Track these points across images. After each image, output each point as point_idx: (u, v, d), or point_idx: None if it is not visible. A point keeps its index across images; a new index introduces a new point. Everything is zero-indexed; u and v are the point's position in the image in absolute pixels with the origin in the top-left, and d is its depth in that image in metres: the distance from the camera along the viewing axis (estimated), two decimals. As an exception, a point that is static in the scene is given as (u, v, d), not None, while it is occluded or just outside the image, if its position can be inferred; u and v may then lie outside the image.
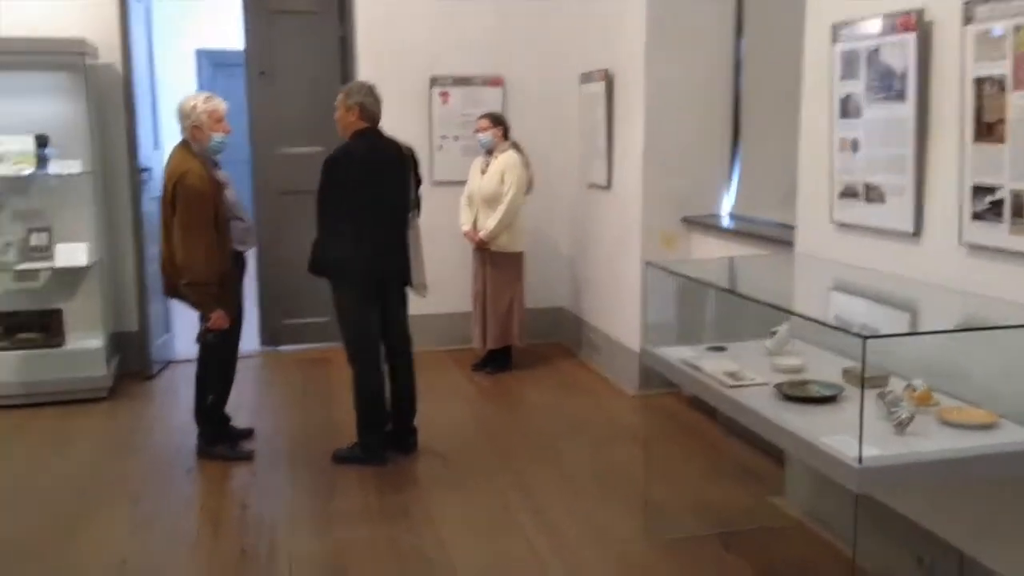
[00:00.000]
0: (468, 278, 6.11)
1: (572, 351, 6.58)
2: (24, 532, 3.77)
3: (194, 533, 3.79)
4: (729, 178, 5.43)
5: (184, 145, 4.36)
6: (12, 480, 4.36)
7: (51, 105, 5.54)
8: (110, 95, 5.80)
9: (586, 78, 6.13)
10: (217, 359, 4.53)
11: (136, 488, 4.22)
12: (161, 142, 6.34)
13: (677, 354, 3.43)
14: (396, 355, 4.57)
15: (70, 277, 5.66)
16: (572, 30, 6.42)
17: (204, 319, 4.37)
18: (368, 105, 4.36)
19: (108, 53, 5.75)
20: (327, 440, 4.68)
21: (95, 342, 5.52)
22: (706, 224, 5.30)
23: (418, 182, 4.58)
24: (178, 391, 5.61)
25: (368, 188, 4.29)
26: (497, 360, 6.09)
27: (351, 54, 6.38)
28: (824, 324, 2.84)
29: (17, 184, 5.57)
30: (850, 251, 3.45)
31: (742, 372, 3.14)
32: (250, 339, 6.63)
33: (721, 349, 3.50)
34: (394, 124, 5.63)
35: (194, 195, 4.20)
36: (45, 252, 5.55)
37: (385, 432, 4.53)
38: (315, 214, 4.32)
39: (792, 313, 3.12)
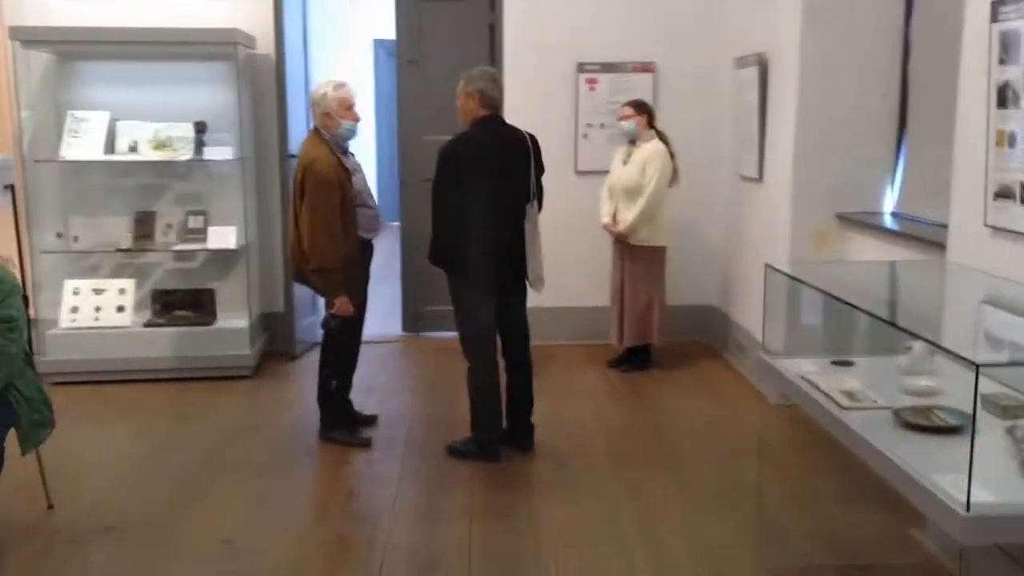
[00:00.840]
0: (609, 272, 5.91)
1: (718, 352, 6.25)
2: (146, 501, 3.95)
3: (299, 516, 3.83)
4: (893, 172, 4.94)
5: (315, 133, 4.42)
6: (148, 450, 4.58)
7: (209, 93, 5.80)
8: (266, 84, 6.00)
9: (740, 63, 5.77)
10: (340, 345, 4.58)
11: (256, 466, 4.33)
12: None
13: (798, 367, 3.12)
14: (513, 350, 4.46)
15: (222, 259, 5.92)
16: (727, 11, 6.06)
17: (329, 305, 4.43)
18: (488, 91, 4.25)
19: (265, 43, 5.95)
20: (446, 431, 4.65)
21: (241, 322, 5.74)
22: (864, 223, 4.83)
23: (540, 172, 4.44)
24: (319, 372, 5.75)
25: (484, 179, 4.18)
26: (635, 358, 5.87)
27: (499, 40, 6.30)
28: (936, 345, 2.47)
29: (178, 168, 5.87)
30: (1005, 259, 3.02)
31: (862, 392, 2.81)
32: (393, 324, 6.76)
33: (847, 364, 3.16)
34: (537, 111, 5.50)
35: (322, 182, 4.24)
36: (200, 234, 5.83)
37: (501, 428, 4.44)
38: (431, 204, 4.27)
39: (897, 327, 2.74)
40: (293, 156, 6.06)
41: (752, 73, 5.51)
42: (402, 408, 5.20)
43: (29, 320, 3.71)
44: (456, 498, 3.97)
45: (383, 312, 6.70)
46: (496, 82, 4.31)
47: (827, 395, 2.81)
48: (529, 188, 4.33)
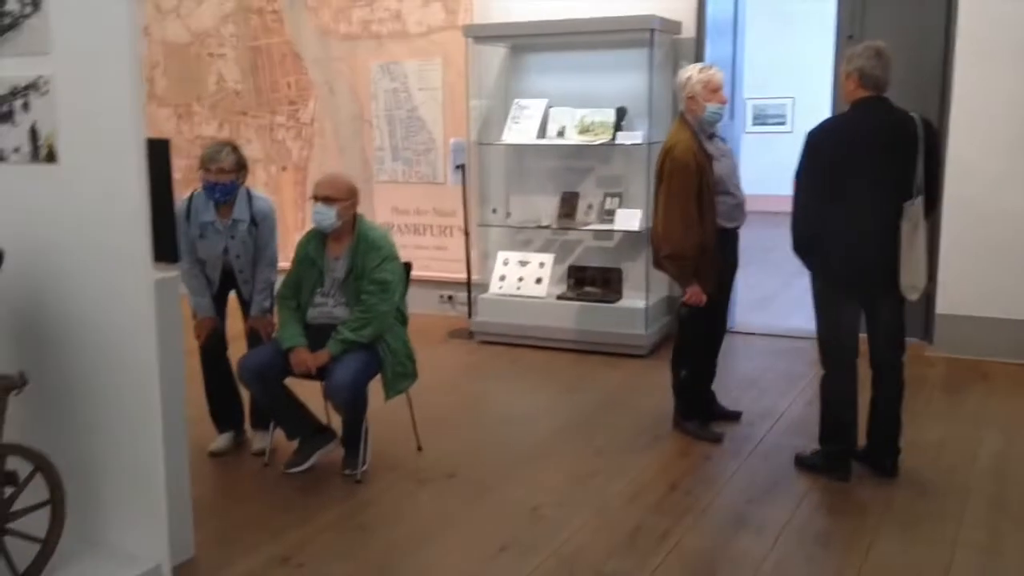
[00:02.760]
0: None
1: None
2: (491, 457, 4.31)
3: (610, 499, 3.87)
4: None
5: (681, 117, 4.36)
6: (522, 411, 4.98)
7: (633, 79, 5.97)
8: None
9: None
10: (692, 334, 4.47)
11: (600, 444, 4.46)
12: (743, 116, 6.36)
13: None
14: (881, 361, 3.94)
15: (631, 240, 6.10)
16: None
17: (682, 293, 4.36)
18: (868, 70, 3.77)
19: (692, 28, 5.96)
20: (812, 438, 4.29)
21: (640, 302, 5.88)
22: None
23: (934, 164, 3.82)
24: (720, 361, 5.66)
25: (854, 168, 3.73)
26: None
27: (954, 13, 5.50)
28: None
29: (600, 152, 6.18)
30: None
31: None
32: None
33: None
34: (989, 92, 4.81)
35: (678, 167, 4.19)
36: (613, 216, 6.08)
37: (852, 445, 3.97)
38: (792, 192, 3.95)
39: None
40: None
41: None
42: (777, 407, 4.91)
43: (407, 284, 4.26)
44: (774, 512, 3.68)
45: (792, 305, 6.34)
46: (881, 58, 3.80)
47: None
48: (912, 182, 3.76)
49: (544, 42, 6.27)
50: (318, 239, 4.11)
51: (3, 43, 2.89)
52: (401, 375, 4.09)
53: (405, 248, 7.03)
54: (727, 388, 5.03)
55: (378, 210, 7.06)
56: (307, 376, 4.01)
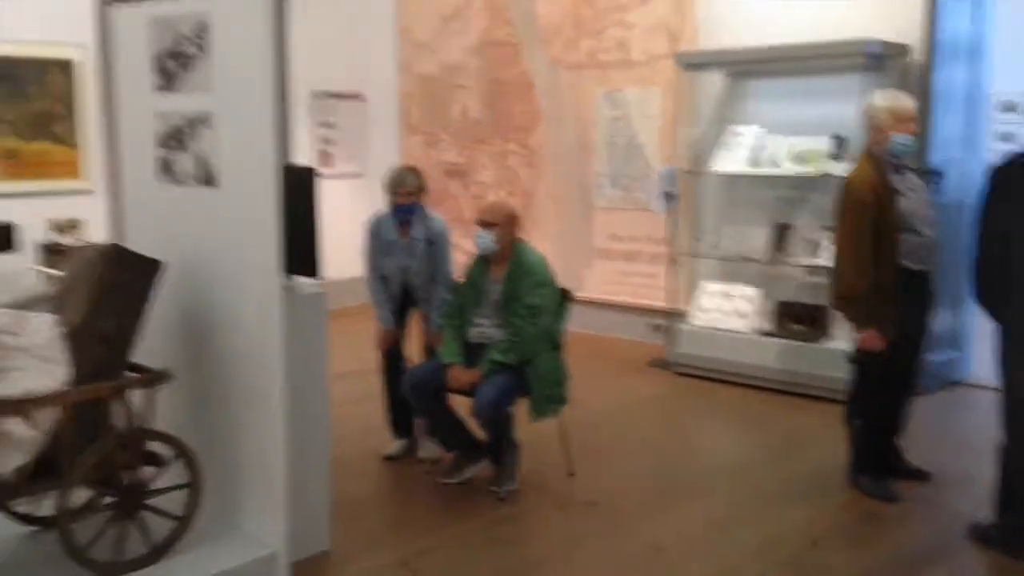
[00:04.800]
0: None
1: None
2: (636, 490, 4.23)
3: (741, 546, 3.66)
4: None
5: (867, 149, 4.05)
6: (689, 445, 4.86)
7: (848, 107, 5.59)
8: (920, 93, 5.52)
9: None
10: (869, 382, 4.11)
11: (756, 490, 4.23)
12: (983, 143, 5.74)
13: None
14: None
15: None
16: None
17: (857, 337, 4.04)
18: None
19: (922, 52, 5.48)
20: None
21: (846, 344, 5.47)
22: None
23: None
24: (937, 415, 5.19)
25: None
26: None
27: None
28: None
29: (815, 182, 5.83)
30: None
31: None
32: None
33: None
34: None
35: (852, 201, 3.91)
36: (827, 251, 5.72)
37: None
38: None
39: None
40: (933, 171, 5.51)
41: None
42: (976, 472, 4.36)
43: (564, 310, 4.31)
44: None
45: None
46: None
47: None
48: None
49: (761, 68, 6.06)
50: (483, 262, 4.29)
51: (182, 82, 3.35)
52: (548, 399, 4.15)
53: (616, 275, 7.14)
54: (927, 444, 4.59)
55: (595, 236, 7.16)
56: (461, 392, 4.19)
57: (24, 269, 5.96)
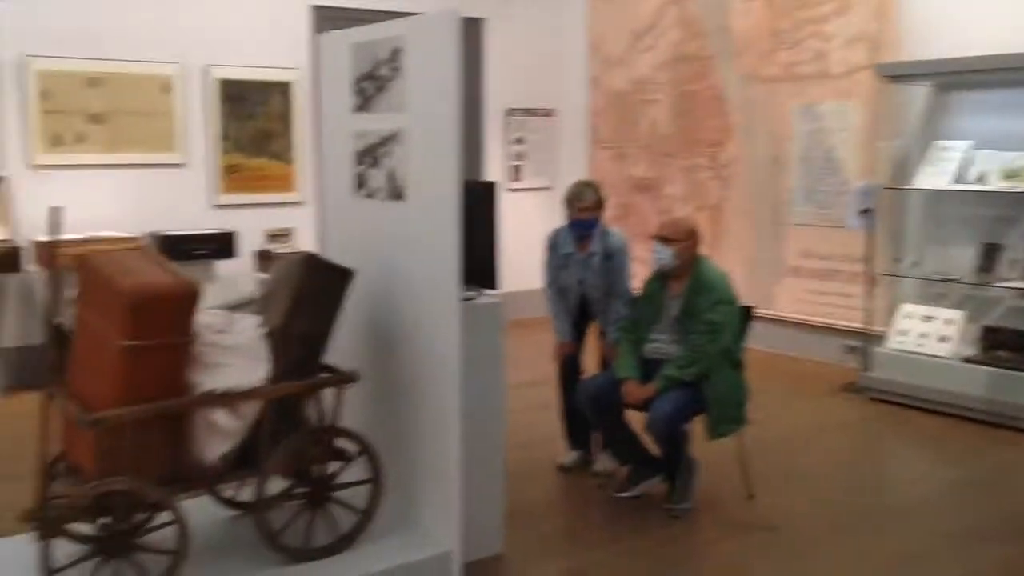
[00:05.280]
0: None
1: None
2: (816, 516, 4.09)
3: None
4: None
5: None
6: (880, 474, 4.62)
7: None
8: None
9: None
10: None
11: (950, 527, 3.97)
12: None
13: None
14: None
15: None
16: None
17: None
18: None
19: None
20: None
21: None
22: None
23: None
24: None
25: None
26: None
27: None
28: None
29: (1030, 200, 5.43)
30: None
31: None
32: None
33: None
34: None
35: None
36: (1039, 272, 5.30)
37: None
38: None
39: None
40: None
41: None
42: None
43: (746, 327, 4.22)
44: None
45: None
46: None
47: None
48: None
49: (969, 79, 5.68)
50: (661, 277, 4.28)
51: (377, 102, 3.58)
52: (725, 418, 4.08)
53: (808, 293, 6.88)
54: None
55: (787, 252, 6.96)
56: (635, 407, 4.19)
57: (241, 274, 6.51)
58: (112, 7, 6.33)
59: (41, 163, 6.15)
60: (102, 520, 2.90)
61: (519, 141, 8.40)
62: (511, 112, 8.29)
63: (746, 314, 4.27)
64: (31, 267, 5.91)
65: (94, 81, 6.29)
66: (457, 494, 3.34)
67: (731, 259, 6.91)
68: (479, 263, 3.42)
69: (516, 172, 8.32)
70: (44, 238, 5.69)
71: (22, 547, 3.06)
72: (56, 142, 6.20)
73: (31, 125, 6.10)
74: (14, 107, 6.05)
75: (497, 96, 8.18)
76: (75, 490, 2.93)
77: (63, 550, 2.88)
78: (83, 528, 2.92)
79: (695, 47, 7.64)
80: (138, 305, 2.83)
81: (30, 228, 5.93)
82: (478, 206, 3.40)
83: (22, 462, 3.39)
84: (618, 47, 8.28)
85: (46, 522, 2.87)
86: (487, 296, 3.59)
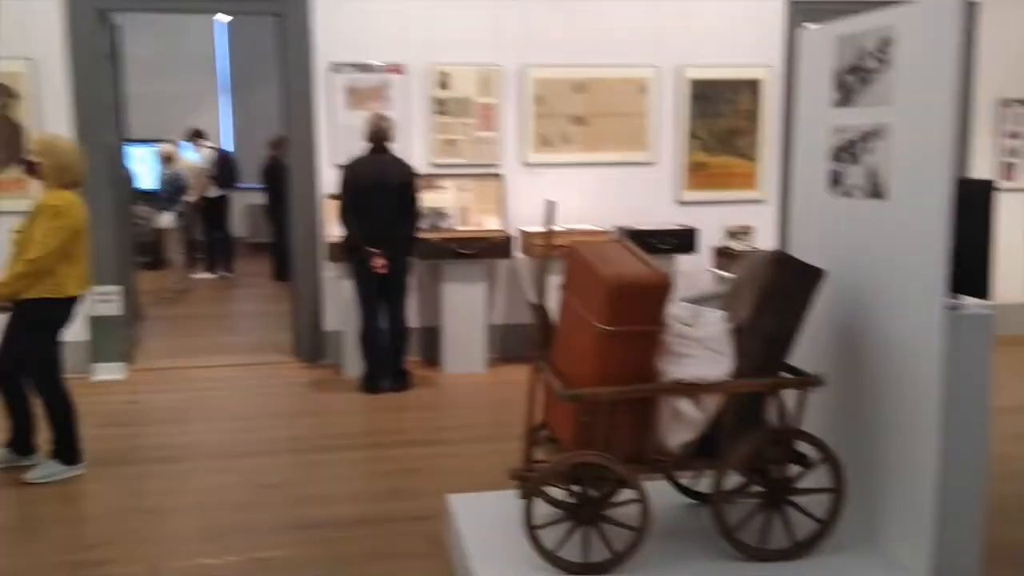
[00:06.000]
0: None
1: None
2: None
3: None
4: None
5: None
6: None
7: None
8: None
9: None
10: None
11: None
12: None
13: None
14: None
15: None
16: None
17: None
18: None
19: None
20: None
21: None
22: None
23: None
24: None
25: None
26: None
27: None
28: None
29: None
30: None
31: None
32: None
33: None
34: None
35: None
36: None
37: None
38: None
39: None
40: None
41: None
42: None
43: None
44: None
45: None
46: None
47: None
48: None
49: None
50: None
51: (860, 96, 3.41)
52: None
53: None
54: None
55: None
56: None
57: (700, 269, 6.65)
58: (597, 16, 6.79)
59: (531, 162, 6.82)
60: (575, 488, 3.16)
61: (1014, 135, 7.47)
62: (1006, 103, 7.40)
63: None
64: (519, 254, 6.61)
65: (579, 86, 6.82)
66: (931, 522, 3.09)
67: None
68: (968, 269, 3.11)
69: (1008, 170, 7.41)
70: (534, 228, 6.34)
71: (510, 502, 3.43)
72: (544, 142, 6.83)
73: (527, 127, 6.79)
74: (513, 111, 6.78)
75: (989, 85, 7.35)
76: (555, 457, 3.22)
77: (541, 510, 3.19)
78: (558, 493, 3.20)
79: None
80: (618, 293, 3.02)
81: (519, 219, 6.64)
82: (971, 207, 3.08)
83: (509, 427, 3.81)
84: None
85: (529, 483, 3.20)
86: (976, 307, 3.25)
